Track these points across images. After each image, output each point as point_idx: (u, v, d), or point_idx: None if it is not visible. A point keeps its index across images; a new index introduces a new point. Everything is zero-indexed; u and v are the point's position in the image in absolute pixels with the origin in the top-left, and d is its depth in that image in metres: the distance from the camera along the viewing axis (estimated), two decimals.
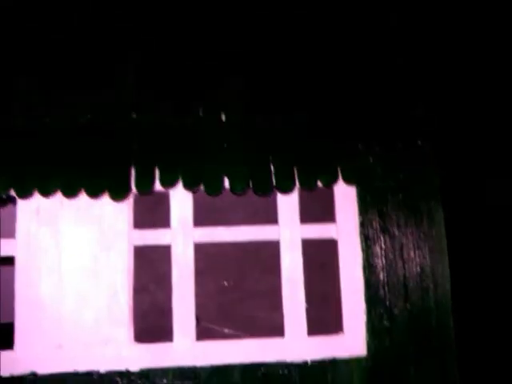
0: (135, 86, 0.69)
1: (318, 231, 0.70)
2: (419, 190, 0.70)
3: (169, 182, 0.67)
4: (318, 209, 0.71)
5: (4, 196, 0.66)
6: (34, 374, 0.65)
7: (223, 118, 0.70)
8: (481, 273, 0.76)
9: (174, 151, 0.67)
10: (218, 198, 0.69)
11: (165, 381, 0.66)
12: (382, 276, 0.68)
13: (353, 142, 0.69)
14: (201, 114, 0.70)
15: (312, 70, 0.71)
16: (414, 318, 0.68)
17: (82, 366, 0.65)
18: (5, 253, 0.67)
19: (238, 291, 0.70)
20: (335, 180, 0.68)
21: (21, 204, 0.67)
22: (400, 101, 0.72)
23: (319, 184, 0.68)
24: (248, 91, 0.71)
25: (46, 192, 0.66)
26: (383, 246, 0.69)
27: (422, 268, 0.69)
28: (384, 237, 0.69)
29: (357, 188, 0.69)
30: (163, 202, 0.69)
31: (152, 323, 0.68)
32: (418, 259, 0.69)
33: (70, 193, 0.66)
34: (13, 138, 0.66)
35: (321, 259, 0.70)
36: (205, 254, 0.69)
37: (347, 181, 0.69)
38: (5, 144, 0.66)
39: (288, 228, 0.69)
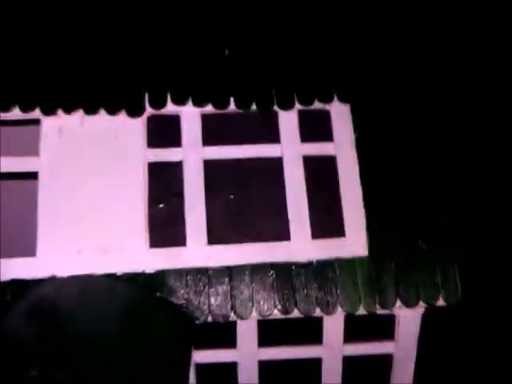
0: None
1: (317, 148, 0.76)
2: None
3: (180, 100, 0.74)
4: (316, 130, 0.77)
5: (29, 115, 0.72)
6: (54, 278, 0.69)
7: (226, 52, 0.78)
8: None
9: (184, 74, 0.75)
10: (224, 119, 0.76)
11: (178, 281, 0.70)
12: (379, 184, 0.74)
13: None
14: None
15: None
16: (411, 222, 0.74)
17: (100, 270, 0.70)
18: (29, 169, 0.73)
19: (245, 203, 0.75)
20: (331, 99, 0.76)
21: (45, 123, 0.73)
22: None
23: (317, 105, 0.76)
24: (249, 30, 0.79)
25: (69, 110, 0.72)
26: (379, 157, 0.75)
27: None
28: (380, 149, 0.76)
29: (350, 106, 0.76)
30: (175, 124, 0.75)
31: (166, 232, 0.72)
32: None
33: (91, 110, 0.72)
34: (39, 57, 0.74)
35: (321, 174, 0.75)
36: (213, 170, 0.74)
37: (341, 100, 0.76)
38: (30, 63, 0.73)
39: (290, 145, 0.75)
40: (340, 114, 0.76)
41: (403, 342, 0.74)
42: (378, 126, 0.77)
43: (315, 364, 0.75)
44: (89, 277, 0.69)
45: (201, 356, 0.73)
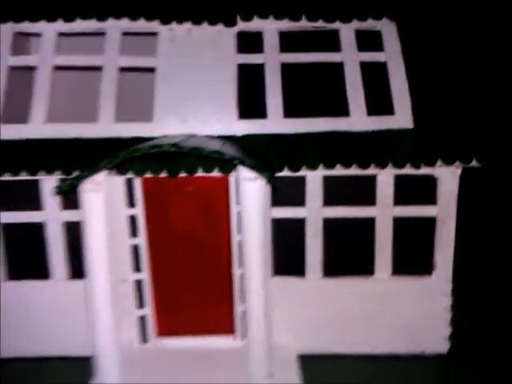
0: None
1: (371, 56, 0.96)
2: None
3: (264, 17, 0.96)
4: (369, 44, 0.97)
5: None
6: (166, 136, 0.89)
7: None
8: None
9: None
10: (297, 34, 0.98)
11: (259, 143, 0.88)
12: (420, 79, 0.93)
13: None
14: None
15: None
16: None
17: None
18: (148, 64, 0.95)
19: (316, 91, 0.95)
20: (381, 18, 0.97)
21: (161, 33, 0.96)
22: None
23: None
24: None
25: (181, 21, 0.95)
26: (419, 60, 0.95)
27: None
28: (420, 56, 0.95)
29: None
30: (258, 36, 0.97)
31: (250, 108, 0.92)
32: None
33: (198, 22, 0.95)
34: None
35: (375, 74, 0.95)
36: (288, 69, 0.95)
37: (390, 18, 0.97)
38: None
39: (348, 54, 0.96)
40: (389, 31, 0.97)
41: (444, 204, 0.89)
42: (417, 39, 0.97)
43: (370, 223, 0.90)
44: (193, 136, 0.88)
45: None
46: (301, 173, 0.86)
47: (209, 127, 0.90)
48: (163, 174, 0.83)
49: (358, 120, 0.90)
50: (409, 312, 0.92)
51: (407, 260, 0.91)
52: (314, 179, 0.88)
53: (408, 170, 0.86)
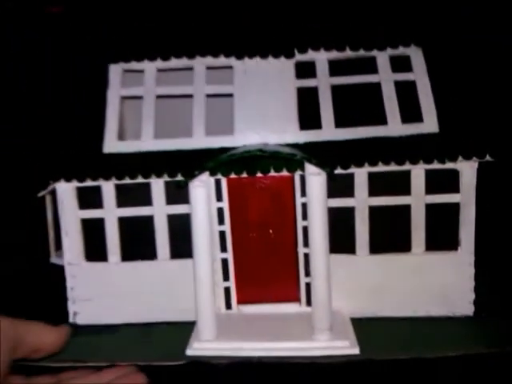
0: None
1: (402, 76, 1.20)
2: None
3: (315, 49, 1.22)
4: (401, 66, 1.21)
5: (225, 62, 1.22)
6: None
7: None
8: None
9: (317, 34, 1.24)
10: (343, 62, 1.23)
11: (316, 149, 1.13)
12: (445, 93, 1.16)
13: None
14: None
15: None
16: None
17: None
18: (226, 91, 1.22)
19: (354, 98, 1.19)
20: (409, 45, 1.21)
21: (236, 67, 1.23)
22: None
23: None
24: None
25: (252, 56, 1.22)
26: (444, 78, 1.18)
27: None
28: (444, 75, 1.19)
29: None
30: (313, 65, 1.22)
31: (309, 121, 1.17)
32: None
33: (264, 57, 1.22)
34: None
35: (406, 90, 1.18)
36: (337, 90, 1.20)
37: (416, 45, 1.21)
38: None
39: (385, 73, 1.20)
40: (416, 55, 1.21)
41: (465, 192, 1.11)
42: (440, 63, 1.20)
43: (406, 209, 1.13)
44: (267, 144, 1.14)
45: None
46: (350, 170, 1.11)
47: (277, 137, 1.16)
48: (243, 175, 1.09)
49: (394, 127, 1.14)
50: (440, 281, 1.13)
51: (438, 238, 1.14)
52: (361, 175, 1.12)
53: (435, 166, 1.10)
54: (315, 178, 1.01)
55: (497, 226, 1.23)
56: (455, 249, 1.13)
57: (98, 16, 1.28)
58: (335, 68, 1.22)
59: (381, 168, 1.10)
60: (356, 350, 1.02)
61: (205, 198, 1.03)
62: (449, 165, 1.10)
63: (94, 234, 1.18)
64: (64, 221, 1.17)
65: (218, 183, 1.14)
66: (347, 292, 1.15)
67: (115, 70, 1.24)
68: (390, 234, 1.14)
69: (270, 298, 1.19)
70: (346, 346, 1.03)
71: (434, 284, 1.14)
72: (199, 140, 1.17)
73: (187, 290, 1.09)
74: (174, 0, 1.30)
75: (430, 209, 1.13)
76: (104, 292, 1.19)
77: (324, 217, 1.03)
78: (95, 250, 1.18)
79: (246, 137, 1.16)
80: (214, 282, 1.07)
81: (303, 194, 1.12)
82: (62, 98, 1.21)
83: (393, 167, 1.10)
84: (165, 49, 1.24)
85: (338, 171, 1.10)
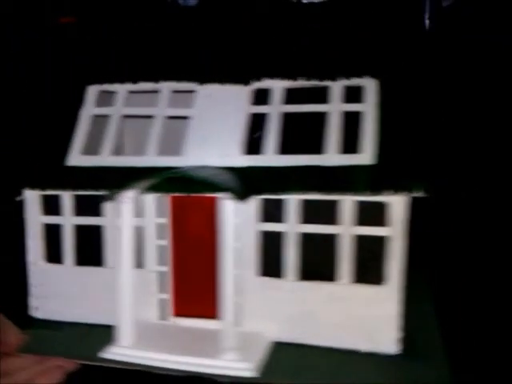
0: None
1: (350, 107, 1.20)
2: None
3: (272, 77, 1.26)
4: (353, 97, 1.21)
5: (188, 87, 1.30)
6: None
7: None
8: None
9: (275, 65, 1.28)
10: (295, 91, 1.25)
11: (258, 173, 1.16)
12: (386, 128, 1.15)
13: None
14: None
15: None
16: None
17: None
18: (186, 114, 1.29)
19: (301, 132, 1.21)
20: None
21: (199, 92, 1.30)
22: None
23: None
24: None
25: (214, 82, 1.28)
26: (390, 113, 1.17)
27: None
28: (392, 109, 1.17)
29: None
30: (266, 92, 1.26)
31: (253, 147, 1.20)
32: None
33: (223, 82, 1.28)
34: None
35: (351, 121, 1.18)
36: (287, 117, 1.23)
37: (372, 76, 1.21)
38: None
39: (334, 106, 1.21)
40: (370, 86, 1.20)
41: (394, 226, 1.08)
42: (392, 94, 1.19)
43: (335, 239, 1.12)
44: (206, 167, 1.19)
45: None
46: (283, 196, 1.13)
47: (220, 160, 1.20)
48: (178, 194, 1.15)
49: (331, 157, 1.14)
50: (365, 315, 1.11)
51: (365, 271, 1.11)
52: (293, 201, 1.14)
53: (364, 197, 1.08)
54: (227, 203, 1.05)
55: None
56: (381, 283, 1.10)
57: (82, 41, 1.43)
58: (289, 96, 1.25)
59: (312, 196, 1.11)
60: (254, 374, 1.03)
61: (130, 213, 1.11)
62: (378, 197, 1.08)
63: (53, 239, 1.29)
64: (29, 224, 1.30)
65: (160, 200, 1.21)
66: (273, 315, 1.16)
67: (92, 91, 1.36)
68: (318, 261, 1.14)
69: (204, 313, 1.22)
70: (245, 368, 1.04)
71: (359, 317, 1.11)
72: (150, 159, 1.25)
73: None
74: (148, 31, 1.41)
75: (360, 240, 1.11)
76: (59, 291, 1.29)
77: (231, 240, 1.06)
78: (54, 252, 1.30)
79: (192, 158, 1.22)
80: (133, 292, 1.13)
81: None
82: (40, 113, 1.35)
83: (324, 196, 1.10)
84: (135, 73, 1.34)
85: (272, 196, 1.13)
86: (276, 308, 1.16)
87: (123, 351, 1.11)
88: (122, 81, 1.34)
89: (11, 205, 1.32)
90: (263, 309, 1.16)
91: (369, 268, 1.11)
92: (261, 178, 1.15)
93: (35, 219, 1.29)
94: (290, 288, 1.15)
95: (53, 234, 1.30)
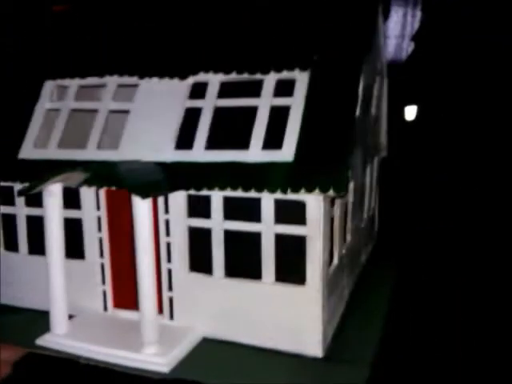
0: None
1: (279, 101, 1.17)
2: None
3: (208, 71, 1.24)
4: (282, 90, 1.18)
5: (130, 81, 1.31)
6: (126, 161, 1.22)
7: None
8: None
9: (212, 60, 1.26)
10: (229, 85, 1.23)
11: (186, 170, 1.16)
12: (309, 125, 1.11)
13: None
14: None
15: None
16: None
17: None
18: (127, 108, 1.30)
19: (229, 129, 1.19)
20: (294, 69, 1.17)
21: (141, 85, 1.31)
22: None
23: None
24: None
25: (156, 76, 1.29)
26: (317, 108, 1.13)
27: None
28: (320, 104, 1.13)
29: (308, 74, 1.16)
30: (204, 85, 1.25)
31: (184, 141, 1.20)
32: None
33: (163, 76, 1.28)
34: None
35: (279, 114, 1.15)
36: (219, 112, 1.21)
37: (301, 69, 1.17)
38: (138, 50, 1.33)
39: (264, 99, 1.18)
40: (301, 80, 1.17)
41: (311, 225, 1.06)
42: (321, 89, 1.15)
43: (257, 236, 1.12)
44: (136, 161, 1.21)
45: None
46: (208, 192, 1.13)
47: (153, 155, 1.21)
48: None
49: (254, 153, 1.13)
50: (289, 316, 1.10)
51: (288, 270, 1.10)
52: (217, 198, 1.13)
53: (284, 196, 1.07)
54: (138, 201, 1.06)
55: None
56: (302, 284, 1.09)
57: (42, 39, 1.47)
58: (225, 90, 1.23)
59: (236, 193, 1.10)
60: (165, 369, 1.05)
61: (55, 205, 1.15)
62: (296, 196, 1.06)
63: (10, 228, 1.36)
64: None
65: (97, 194, 1.24)
66: (203, 311, 1.18)
67: (48, 86, 1.40)
68: (245, 259, 1.14)
69: (132, 304, 1.25)
70: (158, 363, 1.07)
71: (283, 318, 1.11)
72: (90, 152, 1.27)
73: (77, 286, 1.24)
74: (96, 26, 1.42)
75: (283, 239, 1.10)
76: (18, 279, 1.37)
77: (145, 234, 1.07)
78: (11, 241, 1.36)
79: (127, 152, 1.24)
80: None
81: (166, 211, 1.17)
82: None
83: (246, 193, 1.09)
84: (84, 69, 1.36)
85: (198, 193, 1.14)
86: (205, 304, 1.18)
87: (55, 339, 1.16)
88: (72, 75, 1.37)
89: None
90: (194, 304, 1.18)
91: (292, 268, 1.09)
92: (185, 174, 1.15)
93: None
94: (218, 285, 1.16)
95: (9, 224, 1.36)
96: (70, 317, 1.23)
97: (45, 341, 1.17)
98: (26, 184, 1.24)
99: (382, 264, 1.67)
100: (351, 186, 1.35)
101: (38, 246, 1.33)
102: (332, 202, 1.17)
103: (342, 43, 1.20)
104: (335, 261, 1.23)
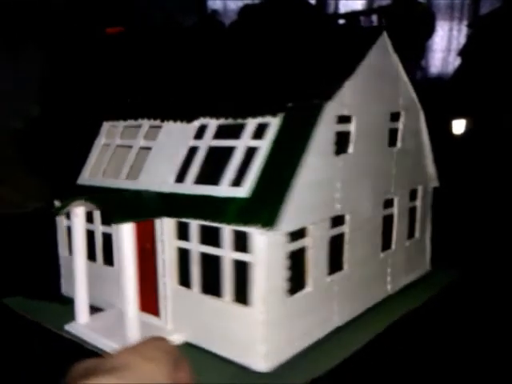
0: None
1: (253, 143, 1.34)
2: None
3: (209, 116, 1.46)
4: (259, 133, 1.35)
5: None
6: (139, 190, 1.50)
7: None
8: None
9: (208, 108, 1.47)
10: (224, 127, 1.43)
11: (176, 200, 1.39)
12: None
13: None
14: None
15: None
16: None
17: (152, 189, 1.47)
18: (147, 145, 1.58)
19: (205, 167, 1.39)
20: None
21: (163, 126, 1.57)
22: None
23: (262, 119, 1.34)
24: None
25: (164, 120, 1.54)
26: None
27: None
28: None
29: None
30: (204, 127, 1.47)
31: (184, 176, 1.44)
32: None
33: (172, 120, 1.53)
34: None
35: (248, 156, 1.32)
36: (212, 151, 1.42)
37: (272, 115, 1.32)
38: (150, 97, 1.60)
39: (243, 141, 1.36)
40: (272, 124, 1.33)
41: (256, 254, 1.21)
42: (287, 134, 1.29)
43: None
44: (146, 191, 1.47)
45: None
46: (187, 220, 1.35)
47: (158, 186, 1.47)
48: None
49: (222, 189, 1.31)
50: (242, 331, 1.26)
51: (240, 291, 1.27)
52: (194, 225, 1.35)
53: (236, 227, 1.24)
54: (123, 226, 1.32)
55: None
56: (250, 305, 1.24)
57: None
58: (220, 132, 1.44)
59: (200, 222, 1.31)
60: None
61: (77, 223, 1.46)
62: (244, 228, 1.23)
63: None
64: (58, 227, 1.75)
65: None
66: (187, 319, 1.40)
67: (105, 126, 1.75)
68: (214, 279, 1.33)
69: (147, 309, 1.50)
70: None
71: (239, 333, 1.27)
72: (120, 181, 1.58)
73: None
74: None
75: (238, 264, 1.27)
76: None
77: (128, 257, 1.32)
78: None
79: (142, 182, 1.51)
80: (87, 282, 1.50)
81: (162, 233, 1.42)
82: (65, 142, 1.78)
83: (206, 222, 1.30)
84: (128, 112, 1.68)
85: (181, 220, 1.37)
86: (188, 313, 1.39)
87: (77, 327, 1.48)
88: (118, 119, 1.70)
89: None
90: (181, 312, 1.40)
91: (244, 290, 1.25)
92: (173, 204, 1.39)
93: (60, 223, 1.73)
94: (196, 298, 1.37)
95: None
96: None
97: (70, 327, 1.49)
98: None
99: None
100: (347, 217, 1.46)
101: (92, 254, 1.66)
102: (301, 233, 1.31)
103: (315, 91, 1.33)
104: (309, 288, 1.35)
